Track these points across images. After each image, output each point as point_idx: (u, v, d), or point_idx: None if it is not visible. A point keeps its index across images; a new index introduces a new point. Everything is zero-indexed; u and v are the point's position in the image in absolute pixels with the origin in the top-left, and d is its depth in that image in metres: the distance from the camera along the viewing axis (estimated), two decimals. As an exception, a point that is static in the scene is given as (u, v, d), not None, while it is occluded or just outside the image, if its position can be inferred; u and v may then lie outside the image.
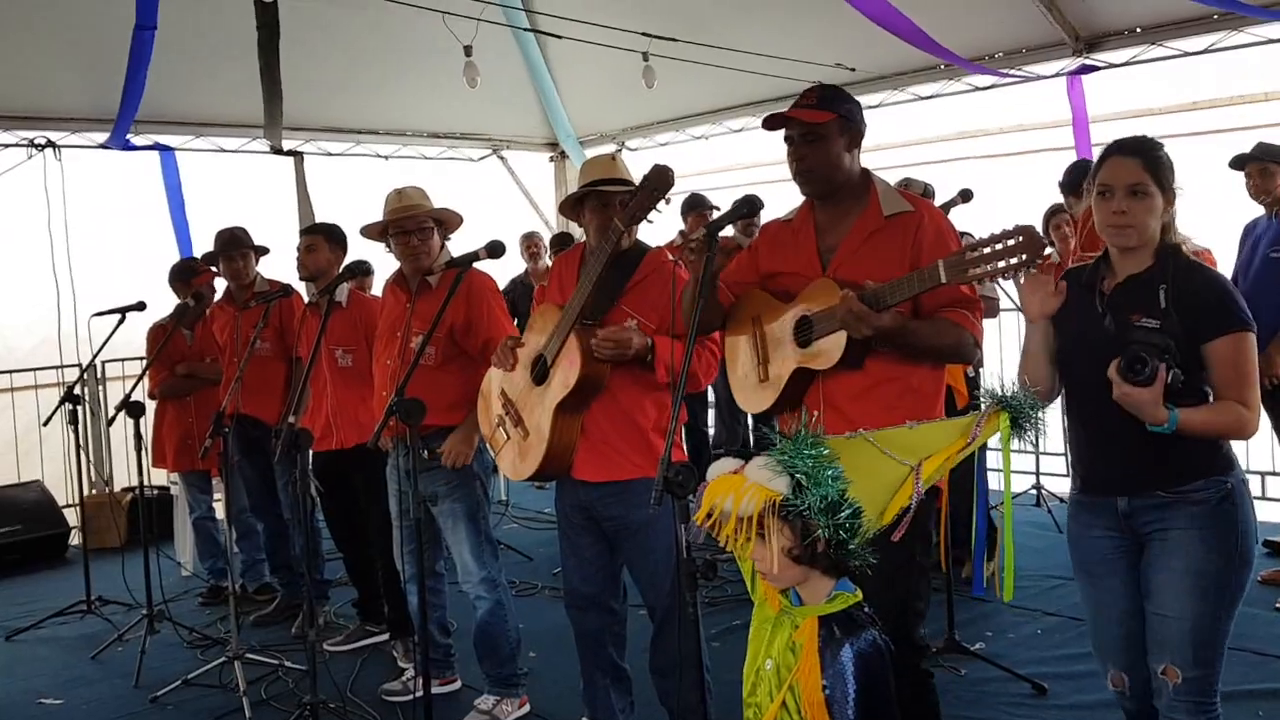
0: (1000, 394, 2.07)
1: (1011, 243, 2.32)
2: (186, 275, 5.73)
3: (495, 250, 3.46)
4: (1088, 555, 2.63)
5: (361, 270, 4.09)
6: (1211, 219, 5.18)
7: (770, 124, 2.86)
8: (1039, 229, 2.49)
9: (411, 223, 3.93)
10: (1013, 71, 6.79)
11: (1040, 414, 2.09)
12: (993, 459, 4.91)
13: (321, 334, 3.93)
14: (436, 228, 4.01)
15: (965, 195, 4.86)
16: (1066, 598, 4.75)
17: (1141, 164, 2.41)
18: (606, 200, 3.20)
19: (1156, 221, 2.44)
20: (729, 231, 4.63)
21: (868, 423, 2.27)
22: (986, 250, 2.36)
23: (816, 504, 1.97)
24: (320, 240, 4.75)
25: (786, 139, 2.84)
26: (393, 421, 3.35)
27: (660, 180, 2.99)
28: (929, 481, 2.15)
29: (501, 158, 9.70)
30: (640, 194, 3.04)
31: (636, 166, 3.27)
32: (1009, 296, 5.70)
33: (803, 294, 2.79)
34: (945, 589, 4.26)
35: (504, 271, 7.65)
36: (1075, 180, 5.32)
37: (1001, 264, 2.33)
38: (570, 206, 3.37)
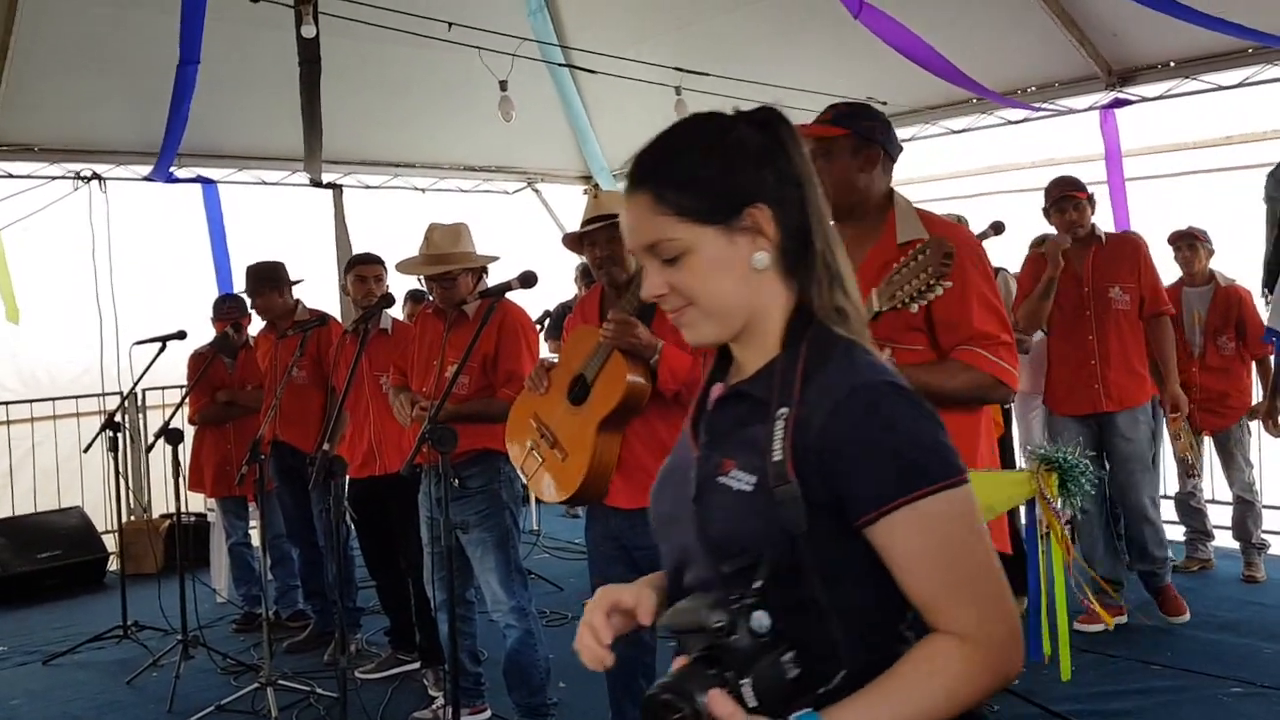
0: (1050, 455, 2.03)
1: (920, 258, 2.28)
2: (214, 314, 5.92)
3: (528, 280, 3.50)
4: None
5: (388, 302, 4.23)
6: (1245, 255, 5.14)
7: None
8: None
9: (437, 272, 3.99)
10: (1045, 105, 6.80)
11: (1088, 479, 2.02)
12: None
13: (357, 360, 4.00)
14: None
15: (997, 228, 4.83)
16: (1101, 636, 4.69)
17: (649, 197, 1.35)
18: (593, 239, 3.21)
19: (732, 285, 1.33)
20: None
21: None
22: (904, 270, 2.30)
23: None
24: (383, 270, 4.89)
25: None
26: (425, 449, 3.37)
27: None
28: None
29: (536, 190, 9.80)
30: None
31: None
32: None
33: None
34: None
35: (547, 299, 7.72)
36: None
37: (917, 280, 2.27)
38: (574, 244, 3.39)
